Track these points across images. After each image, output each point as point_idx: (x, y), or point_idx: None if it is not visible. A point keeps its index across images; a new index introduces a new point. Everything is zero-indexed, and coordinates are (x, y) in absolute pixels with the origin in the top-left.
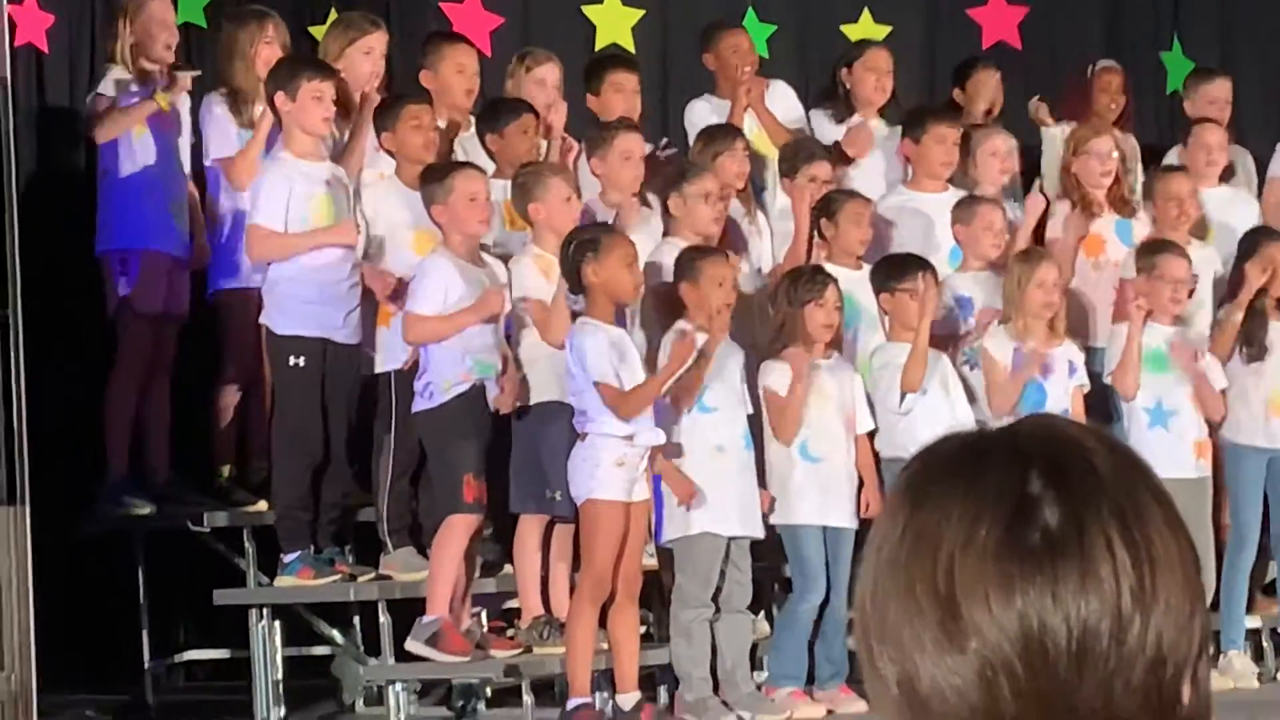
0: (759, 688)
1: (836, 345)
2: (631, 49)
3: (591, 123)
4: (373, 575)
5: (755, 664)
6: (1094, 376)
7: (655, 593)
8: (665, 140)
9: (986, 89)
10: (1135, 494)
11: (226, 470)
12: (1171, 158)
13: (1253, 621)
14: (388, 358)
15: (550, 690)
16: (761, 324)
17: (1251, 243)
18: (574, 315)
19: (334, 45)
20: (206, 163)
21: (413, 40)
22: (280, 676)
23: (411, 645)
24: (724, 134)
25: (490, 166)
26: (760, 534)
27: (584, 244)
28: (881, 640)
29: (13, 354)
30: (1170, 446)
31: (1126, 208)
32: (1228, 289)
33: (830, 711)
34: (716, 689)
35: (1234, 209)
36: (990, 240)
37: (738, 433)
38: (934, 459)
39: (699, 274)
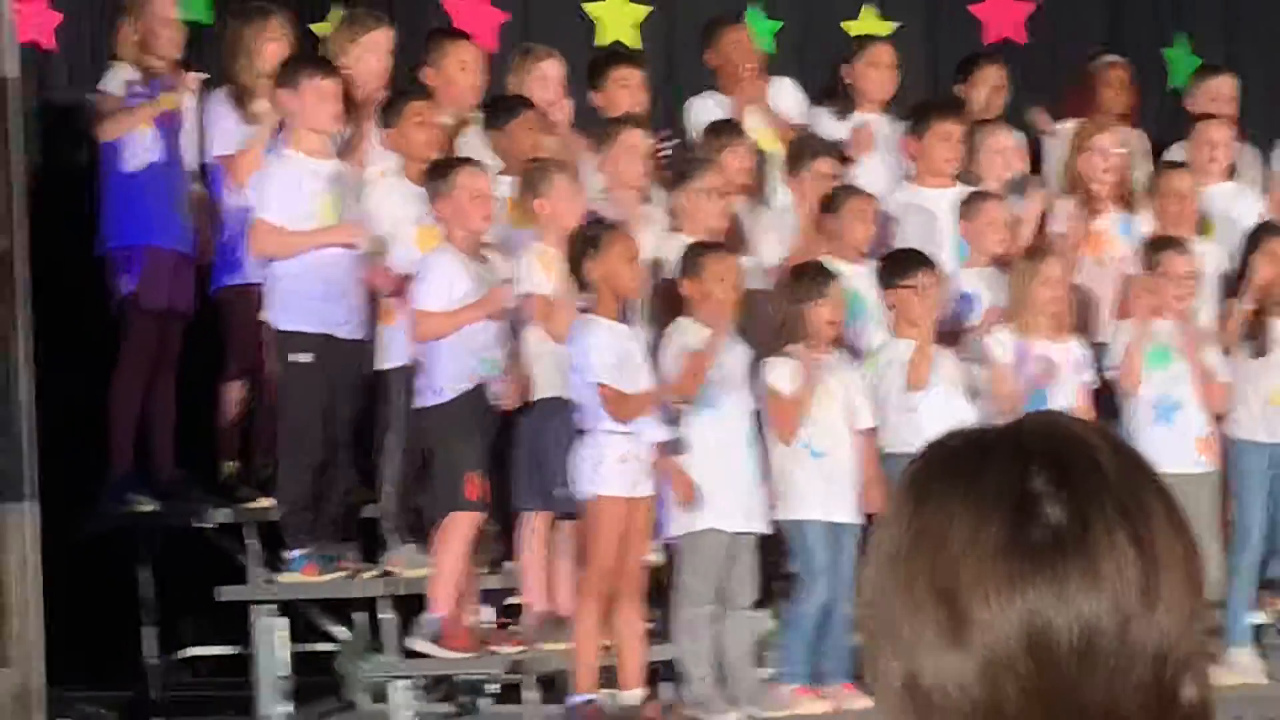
0: (763, 683)
1: (838, 341)
2: (633, 46)
3: (596, 119)
4: (377, 572)
5: (760, 660)
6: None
7: (659, 588)
8: (666, 131)
9: (989, 85)
10: (1139, 491)
11: (230, 466)
12: (1174, 154)
13: (1258, 617)
14: (391, 354)
15: (554, 685)
16: (765, 320)
17: (1258, 238)
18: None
19: (341, 42)
20: (209, 159)
21: (414, 37)
22: (286, 673)
23: (414, 642)
24: (728, 130)
25: (492, 163)
26: (765, 529)
27: (585, 240)
28: (885, 636)
29: (19, 351)
30: (1173, 442)
31: (1129, 203)
32: (1235, 284)
33: (835, 708)
34: (723, 685)
35: (1239, 204)
36: (995, 236)
37: (742, 428)
38: (938, 456)
39: (703, 270)
